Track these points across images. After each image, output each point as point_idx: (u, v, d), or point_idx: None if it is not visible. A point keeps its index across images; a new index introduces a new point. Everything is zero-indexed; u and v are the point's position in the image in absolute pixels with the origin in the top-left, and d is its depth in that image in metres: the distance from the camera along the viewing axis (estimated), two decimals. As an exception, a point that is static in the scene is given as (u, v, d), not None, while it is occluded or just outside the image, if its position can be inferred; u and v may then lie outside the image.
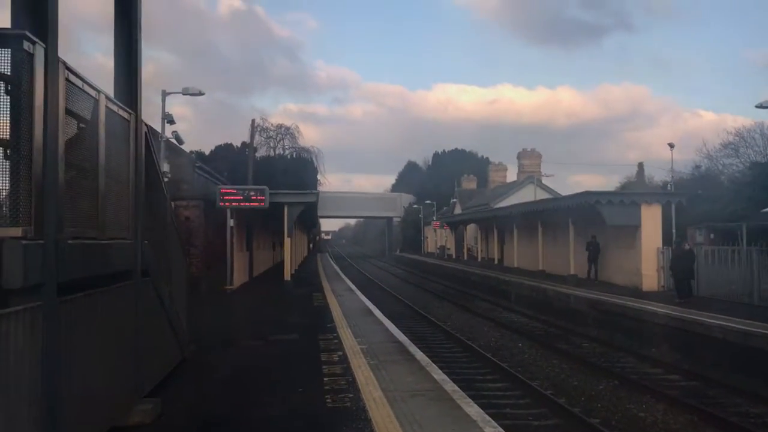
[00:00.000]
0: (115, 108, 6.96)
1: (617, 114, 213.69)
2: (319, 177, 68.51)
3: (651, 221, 24.33)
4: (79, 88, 5.92)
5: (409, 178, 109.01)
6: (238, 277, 26.84)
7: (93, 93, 6.28)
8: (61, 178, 5.26)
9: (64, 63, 5.38)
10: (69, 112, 5.70)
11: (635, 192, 31.12)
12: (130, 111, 7.50)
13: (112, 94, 7.29)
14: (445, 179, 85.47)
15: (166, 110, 21.68)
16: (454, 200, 76.24)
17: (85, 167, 6.12)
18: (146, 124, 8.44)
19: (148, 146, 8.29)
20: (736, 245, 21.13)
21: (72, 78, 5.67)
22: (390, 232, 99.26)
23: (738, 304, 18.57)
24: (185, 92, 21.69)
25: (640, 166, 66.94)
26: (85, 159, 6.16)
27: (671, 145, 40.43)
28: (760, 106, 20.45)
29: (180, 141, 22.04)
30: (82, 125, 6.24)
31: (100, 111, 6.42)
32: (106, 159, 6.50)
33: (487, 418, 7.03)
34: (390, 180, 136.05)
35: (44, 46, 4.95)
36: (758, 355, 13.51)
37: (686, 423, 10.42)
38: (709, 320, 15.61)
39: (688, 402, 11.37)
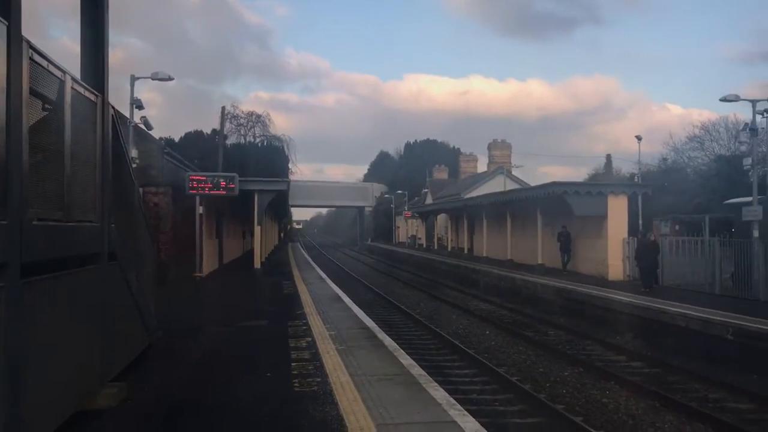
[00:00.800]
0: (81, 90, 6.87)
1: (587, 107, 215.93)
2: (290, 166, 68.11)
3: (617, 212, 24.73)
4: (44, 68, 5.84)
5: (381, 167, 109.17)
6: (208, 264, 26.68)
7: (59, 74, 6.19)
8: (25, 159, 5.19)
9: (28, 42, 5.30)
10: (33, 92, 5.61)
11: (602, 183, 31.61)
12: (97, 93, 7.41)
13: (79, 77, 7.20)
14: (417, 169, 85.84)
15: (135, 96, 21.39)
16: (426, 190, 76.55)
17: (50, 149, 6.04)
18: (114, 108, 8.35)
19: (116, 130, 8.21)
20: (700, 236, 21.61)
21: (36, 58, 5.58)
22: (361, 222, 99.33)
23: (700, 294, 19.03)
24: (154, 77, 21.40)
25: (608, 158, 68.01)
26: (50, 140, 6.08)
27: (639, 138, 41.05)
28: (725, 100, 20.85)
29: (149, 126, 21.76)
30: (47, 106, 6.16)
31: (66, 92, 6.34)
32: (72, 141, 6.43)
33: (453, 401, 7.14)
34: (362, 170, 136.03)
35: (6, 23, 4.86)
36: (717, 342, 13.89)
37: (648, 408, 10.66)
38: (671, 309, 15.97)
39: (649, 388, 11.63)
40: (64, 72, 6.28)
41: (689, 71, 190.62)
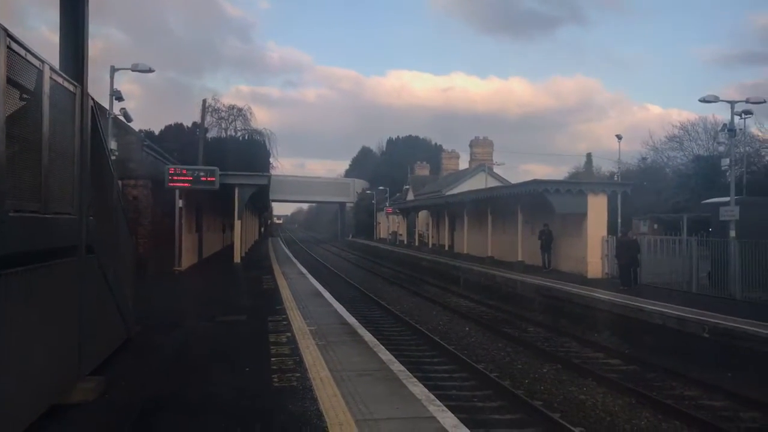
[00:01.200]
0: (60, 80, 6.78)
1: (569, 105, 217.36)
2: (271, 160, 67.80)
3: (597, 210, 24.93)
4: (22, 57, 5.75)
5: (363, 163, 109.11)
6: (187, 258, 26.50)
7: (37, 63, 6.10)
8: (1, 150, 5.11)
9: (6, 30, 5.22)
10: (11, 81, 5.53)
11: (582, 181, 31.79)
12: (75, 84, 7.32)
13: (58, 67, 7.10)
14: (399, 165, 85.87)
15: (115, 87, 21.16)
16: (407, 187, 76.62)
17: (27, 139, 5.95)
18: (93, 99, 8.24)
19: (95, 121, 8.11)
20: (678, 235, 21.85)
21: (14, 46, 5.49)
22: (343, 218, 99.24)
23: (678, 292, 19.25)
24: (134, 68, 21.18)
25: (589, 156, 68.56)
26: (27, 131, 5.99)
27: (619, 137, 41.43)
28: (704, 101, 21.07)
29: (128, 118, 21.53)
30: (25, 96, 6.07)
31: (44, 82, 6.25)
32: (50, 132, 6.34)
33: (432, 396, 7.15)
34: (344, 165, 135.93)
35: (-16, 11, 4.78)
36: (693, 339, 14.06)
37: (625, 405, 10.77)
38: (649, 307, 16.13)
39: (627, 385, 11.75)
40: (42, 61, 6.19)
41: (669, 72, 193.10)
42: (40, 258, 6.08)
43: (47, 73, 6.28)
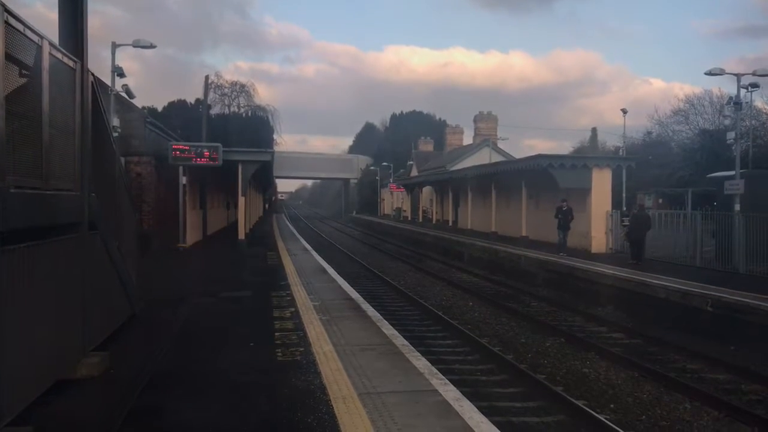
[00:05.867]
0: (59, 55, 6.73)
1: (570, 79, 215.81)
2: (275, 136, 67.81)
3: (601, 185, 24.85)
4: (20, 32, 5.70)
5: (366, 139, 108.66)
6: (192, 235, 26.56)
7: (36, 39, 6.06)
8: (1, 126, 5.09)
9: (4, 5, 5.17)
10: (9, 57, 5.49)
11: (587, 156, 31.69)
12: (75, 60, 7.27)
13: (57, 43, 7.05)
14: (403, 141, 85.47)
15: (116, 64, 21.05)
16: (411, 162, 76.37)
17: (27, 115, 5.93)
18: (93, 75, 8.20)
19: (95, 97, 8.07)
20: (683, 210, 21.79)
21: (12, 21, 5.45)
22: (347, 194, 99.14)
23: (682, 266, 19.24)
24: (135, 44, 21.04)
25: (594, 131, 68.14)
26: (27, 107, 5.97)
27: (624, 111, 41.13)
28: (709, 73, 20.84)
29: (130, 95, 21.43)
30: (24, 72, 6.04)
31: (44, 58, 6.21)
32: (50, 108, 6.31)
33: (435, 370, 7.19)
34: (347, 142, 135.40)
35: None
36: (696, 313, 14.08)
37: (627, 378, 10.81)
38: (653, 281, 16.14)
39: (630, 359, 11.79)
40: (41, 37, 6.14)
41: (670, 46, 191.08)
42: (42, 234, 6.09)
43: (46, 48, 6.24)
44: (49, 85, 6.26)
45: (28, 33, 5.87)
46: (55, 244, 6.44)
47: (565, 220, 23.60)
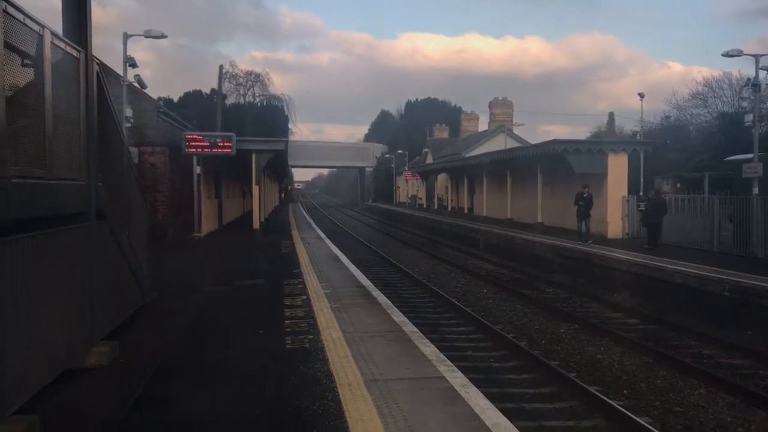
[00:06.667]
0: (62, 45, 6.71)
1: (587, 64, 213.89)
2: (290, 126, 67.74)
3: (617, 170, 24.57)
4: (20, 21, 5.67)
5: (382, 127, 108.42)
6: (207, 224, 26.66)
7: (36, 28, 6.03)
8: (2, 116, 5.08)
9: (1, -6, 5.14)
10: (9, 46, 5.47)
11: (602, 140, 31.34)
12: (79, 49, 7.24)
13: (61, 33, 7.03)
14: (418, 128, 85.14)
15: (129, 54, 21.09)
16: (426, 150, 76.09)
17: (29, 105, 5.92)
18: (99, 65, 8.17)
19: (101, 86, 8.05)
20: (701, 194, 21.49)
21: (11, 10, 5.42)
22: (362, 182, 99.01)
23: (699, 251, 19.00)
24: (147, 35, 21.07)
25: (611, 116, 67.40)
26: (29, 96, 5.95)
27: (641, 95, 40.58)
28: (727, 55, 20.48)
29: (142, 85, 21.48)
30: (26, 62, 6.02)
31: (45, 47, 6.18)
32: (54, 97, 6.29)
33: (443, 357, 7.13)
34: (362, 130, 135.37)
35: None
36: (712, 298, 13.89)
37: (642, 364, 10.71)
38: (669, 266, 15.94)
39: (645, 344, 11.67)
40: (42, 26, 6.11)
41: (688, 28, 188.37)
42: (48, 224, 6.09)
43: (48, 38, 6.21)
44: (52, 75, 6.24)
45: (29, 22, 5.84)
46: (61, 234, 6.45)
47: (586, 207, 22.54)
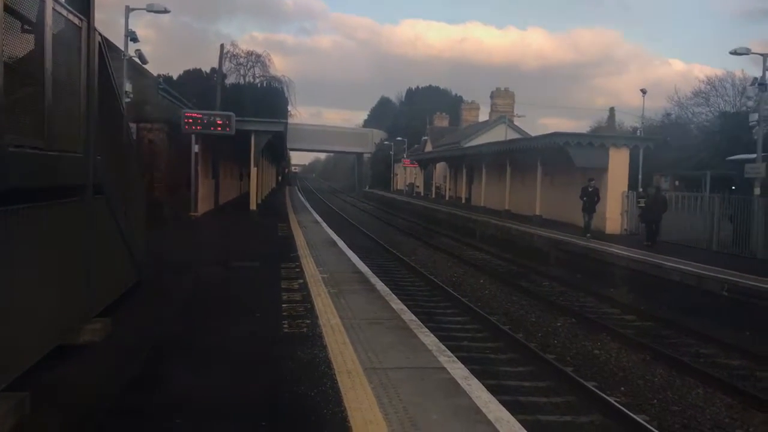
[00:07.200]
0: (63, 12, 6.51)
1: (588, 58, 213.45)
2: (290, 108, 67.23)
3: (618, 165, 24.46)
4: (22, -15, 5.49)
5: (382, 113, 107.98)
6: (203, 204, 26.48)
7: (38, -8, 5.84)
8: (0, 81, 4.90)
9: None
10: (9, 10, 5.28)
11: (604, 135, 31.24)
12: (81, 17, 7.03)
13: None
14: (418, 116, 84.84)
15: (130, 29, 20.81)
16: (425, 138, 75.86)
17: (28, 72, 5.74)
18: (101, 35, 7.97)
19: (103, 57, 7.84)
20: (701, 192, 21.40)
21: (12, -27, 5.24)
22: (360, 168, 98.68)
23: (698, 249, 18.94)
24: (149, 8, 20.77)
25: (611, 111, 67.16)
26: (28, 64, 5.77)
27: (643, 92, 40.44)
28: (734, 53, 20.31)
29: (143, 60, 21.21)
30: (26, 27, 5.83)
31: (47, 14, 5.98)
32: (54, 66, 6.10)
33: (443, 347, 7.01)
34: (361, 116, 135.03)
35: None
36: (711, 297, 13.82)
37: (638, 361, 10.63)
38: (668, 264, 15.88)
39: (642, 341, 11.60)
40: (43, -9, 5.92)
41: (691, 26, 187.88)
42: (45, 196, 5.93)
43: (49, 3, 6.01)
44: (53, 42, 6.05)
45: (30, -14, 5.66)
46: (57, 207, 6.28)
47: (591, 201, 22.05)
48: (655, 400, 8.89)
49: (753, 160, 20.02)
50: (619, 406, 8.23)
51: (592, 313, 14.07)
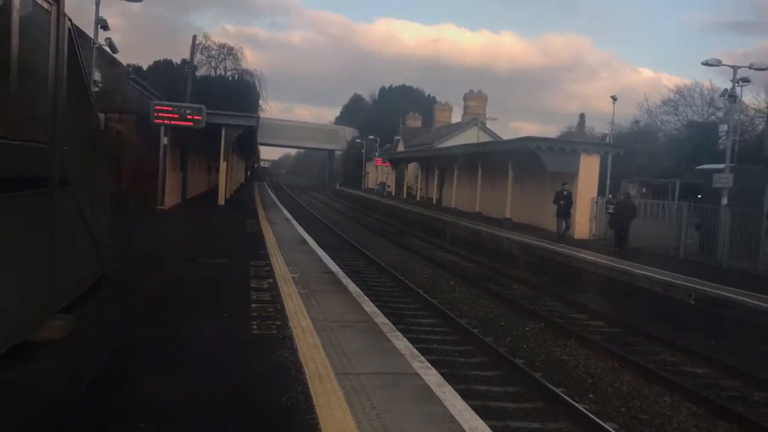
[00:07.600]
0: (32, -4, 6.25)
1: (560, 63, 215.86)
2: (261, 102, 66.71)
3: (588, 170, 24.68)
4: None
5: (354, 111, 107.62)
6: (170, 197, 26.04)
7: (5, -26, 5.59)
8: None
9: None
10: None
11: (575, 141, 31.46)
12: (51, 1, 6.77)
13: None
14: (391, 115, 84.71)
15: (100, 16, 20.33)
16: (398, 137, 75.82)
17: (-7, 57, 5.49)
18: (71, 22, 7.70)
19: (72, 45, 7.58)
20: (667, 200, 21.66)
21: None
22: (331, 165, 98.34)
23: (665, 257, 19.16)
24: (121, -4, 20.34)
25: (582, 116, 68.02)
26: (-6, 48, 5.52)
27: (614, 98, 40.92)
28: (706, 64, 20.60)
29: (114, 49, 20.73)
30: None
31: (14, -3, 5.73)
32: (20, 51, 5.85)
33: (416, 352, 6.91)
34: (333, 113, 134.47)
35: None
36: (678, 305, 13.97)
37: (607, 368, 10.67)
38: (636, 270, 16.01)
39: (610, 348, 11.65)
40: (11, -28, 5.66)
41: (660, 37, 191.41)
42: (7, 188, 5.68)
43: (18, -15, 5.76)
44: (20, 26, 5.79)
45: (-3, -33, 5.40)
46: (20, 199, 6.03)
47: (566, 206, 22.13)
48: (624, 408, 8.91)
49: (721, 170, 20.32)
50: (588, 414, 8.22)
51: (560, 318, 14.12)
